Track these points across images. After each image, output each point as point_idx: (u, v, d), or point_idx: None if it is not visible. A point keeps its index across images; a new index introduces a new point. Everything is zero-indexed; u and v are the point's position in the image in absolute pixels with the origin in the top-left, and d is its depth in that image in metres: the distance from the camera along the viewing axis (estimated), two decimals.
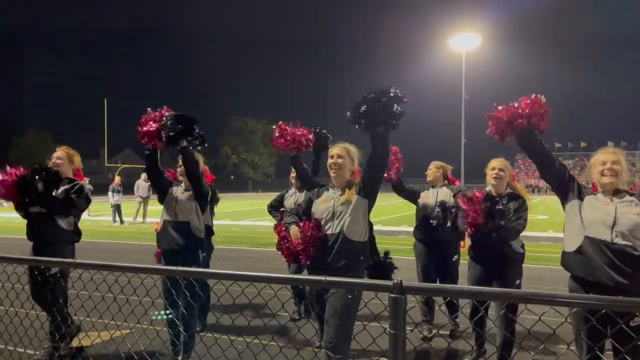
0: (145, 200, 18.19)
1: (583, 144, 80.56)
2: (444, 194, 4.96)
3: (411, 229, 5.36)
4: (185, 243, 4.09)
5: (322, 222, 3.36)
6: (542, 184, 72.93)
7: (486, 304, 4.00)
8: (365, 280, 2.31)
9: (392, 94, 3.12)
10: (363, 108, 3.13)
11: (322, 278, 2.13)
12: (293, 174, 5.61)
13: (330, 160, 3.48)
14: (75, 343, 4.29)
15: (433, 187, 5.11)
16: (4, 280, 2.99)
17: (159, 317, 3.83)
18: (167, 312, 3.96)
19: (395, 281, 1.85)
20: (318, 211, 3.41)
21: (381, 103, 3.10)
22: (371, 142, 3.23)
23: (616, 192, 3.01)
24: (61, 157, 4.45)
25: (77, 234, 4.42)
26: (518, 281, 4.02)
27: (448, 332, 5.05)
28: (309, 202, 3.54)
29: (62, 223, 4.25)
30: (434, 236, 4.80)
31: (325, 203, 3.42)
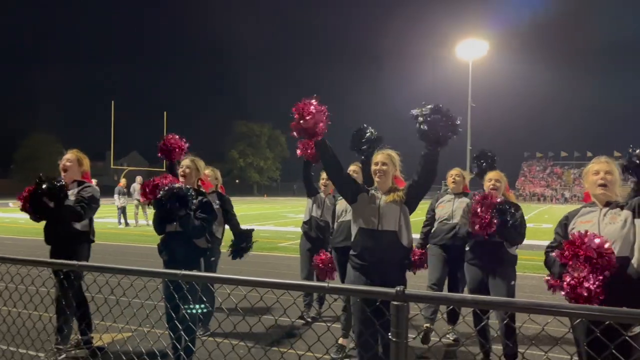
0: (141, 203, 18.11)
1: (589, 154, 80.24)
2: (460, 203, 5.00)
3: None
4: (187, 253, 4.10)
5: (368, 217, 3.49)
6: (548, 192, 72.69)
7: (489, 312, 4.05)
8: (367, 288, 2.30)
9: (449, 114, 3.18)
10: (431, 118, 3.15)
11: (325, 284, 2.13)
12: (323, 180, 5.67)
13: (374, 167, 3.62)
14: (97, 342, 4.43)
15: (449, 194, 5.19)
16: (7, 281, 3.01)
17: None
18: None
19: (398, 289, 1.85)
20: (366, 212, 3.52)
21: (447, 119, 3.17)
22: (424, 159, 3.37)
23: (608, 205, 2.96)
24: (71, 159, 4.57)
25: (92, 233, 4.58)
26: (513, 282, 4.24)
27: (450, 339, 5.04)
28: (358, 188, 3.61)
29: (77, 224, 4.40)
30: (451, 242, 4.93)
31: (372, 204, 3.55)
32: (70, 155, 4.61)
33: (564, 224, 3.09)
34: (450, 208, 5.05)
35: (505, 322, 3.96)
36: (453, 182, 5.18)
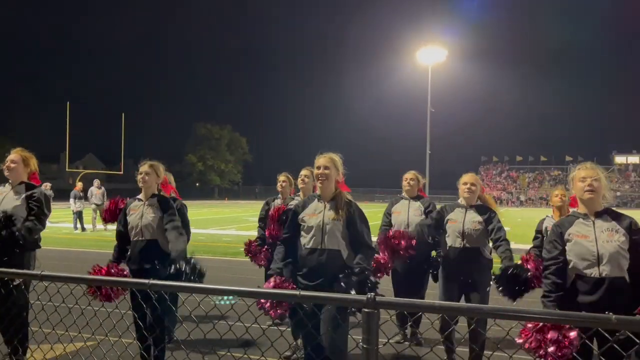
0: (99, 208, 17.42)
1: (543, 158, 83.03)
2: (415, 207, 5.07)
3: None
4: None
5: (311, 235, 3.36)
6: (504, 195, 74.68)
7: (456, 317, 4.10)
8: (340, 295, 2.34)
9: None
10: None
11: (297, 292, 2.15)
12: (279, 182, 5.49)
13: (316, 171, 3.47)
14: (39, 356, 4.16)
15: (404, 199, 5.20)
16: None
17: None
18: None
19: (369, 296, 1.89)
20: (307, 226, 3.40)
21: None
22: None
23: (598, 215, 2.98)
24: (15, 160, 4.27)
25: (39, 240, 4.26)
26: (488, 288, 4.19)
27: (416, 343, 5.13)
28: (294, 216, 3.51)
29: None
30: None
31: (314, 217, 3.41)
32: (14, 156, 4.29)
33: (560, 232, 3.03)
34: (406, 215, 5.05)
35: (472, 327, 3.95)
36: (408, 185, 5.19)
